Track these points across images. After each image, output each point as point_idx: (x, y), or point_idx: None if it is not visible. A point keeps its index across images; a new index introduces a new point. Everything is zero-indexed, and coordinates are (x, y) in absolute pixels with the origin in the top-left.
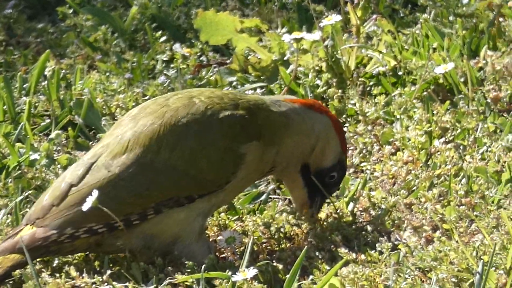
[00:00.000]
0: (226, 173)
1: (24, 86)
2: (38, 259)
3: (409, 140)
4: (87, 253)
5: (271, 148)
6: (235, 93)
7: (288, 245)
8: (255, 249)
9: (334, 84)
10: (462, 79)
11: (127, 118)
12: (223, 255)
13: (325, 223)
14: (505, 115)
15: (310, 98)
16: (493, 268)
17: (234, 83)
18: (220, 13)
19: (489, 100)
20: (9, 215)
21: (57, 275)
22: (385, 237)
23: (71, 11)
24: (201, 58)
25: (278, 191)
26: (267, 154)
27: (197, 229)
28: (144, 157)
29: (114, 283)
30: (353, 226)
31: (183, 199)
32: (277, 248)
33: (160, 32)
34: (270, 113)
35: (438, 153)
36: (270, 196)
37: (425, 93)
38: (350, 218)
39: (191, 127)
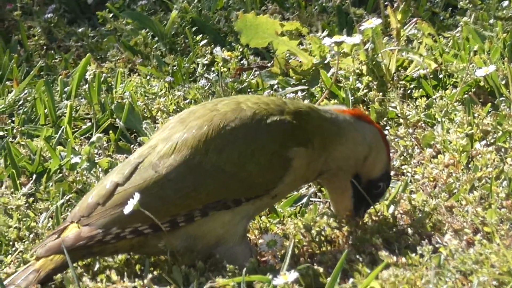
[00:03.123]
0: (274, 177)
1: (65, 89)
2: (79, 263)
3: (450, 143)
4: (128, 256)
5: (319, 155)
6: (282, 99)
7: (329, 248)
8: (296, 252)
9: (374, 87)
10: (503, 82)
11: (175, 120)
12: (264, 259)
13: (366, 226)
14: None
15: (351, 101)
16: None
17: (275, 87)
18: (260, 16)
19: None
20: (50, 219)
21: (98, 279)
22: (426, 240)
23: (111, 15)
24: (242, 62)
25: (319, 194)
26: (315, 161)
27: (240, 232)
28: (192, 158)
29: (155, 287)
30: (394, 229)
31: (230, 202)
32: (318, 251)
33: (200, 35)
34: (321, 120)
35: (479, 155)
36: (311, 199)
37: (466, 95)
38: (391, 221)
39: (239, 131)
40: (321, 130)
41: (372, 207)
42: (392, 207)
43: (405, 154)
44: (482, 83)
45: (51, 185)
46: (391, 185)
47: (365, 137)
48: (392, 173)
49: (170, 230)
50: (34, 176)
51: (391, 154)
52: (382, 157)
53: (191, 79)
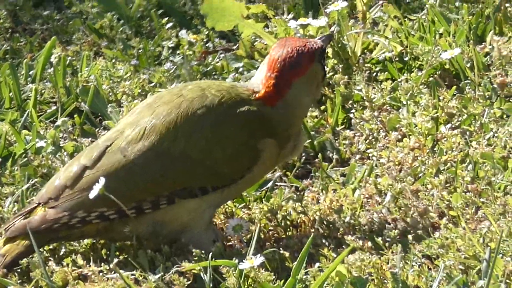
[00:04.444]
0: (241, 167)
1: (30, 73)
2: (45, 248)
3: (416, 126)
4: (94, 240)
5: (288, 143)
6: (234, 87)
7: (294, 232)
8: (262, 236)
9: (340, 70)
10: (468, 65)
11: (142, 105)
12: (230, 243)
13: (332, 210)
14: (511, 101)
15: None
16: (500, 255)
17: (241, 69)
18: None
19: (495, 86)
20: (15, 203)
21: (64, 263)
22: (391, 224)
23: None
24: (207, 45)
25: (284, 178)
26: (286, 149)
27: (206, 219)
28: (160, 144)
29: (121, 271)
30: (360, 213)
31: (196, 190)
32: (284, 236)
33: (166, 18)
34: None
35: (445, 139)
36: (276, 183)
37: (431, 78)
38: (357, 205)
39: (207, 118)
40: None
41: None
42: (357, 191)
43: (370, 138)
44: (447, 66)
45: (16, 169)
46: (356, 169)
47: (300, 92)
48: (357, 156)
49: (136, 216)
50: None
51: (356, 137)
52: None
53: (157, 62)
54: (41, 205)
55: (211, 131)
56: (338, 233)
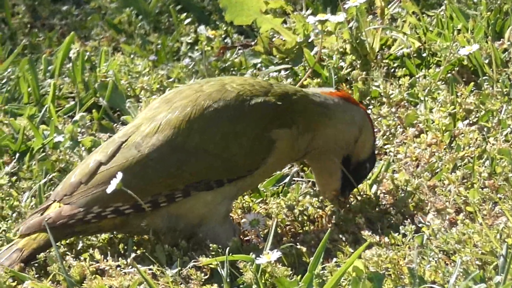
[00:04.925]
0: (256, 158)
1: (49, 68)
2: (62, 242)
3: (433, 122)
4: (112, 235)
5: (305, 135)
6: (267, 82)
7: (311, 227)
8: (279, 231)
9: (358, 66)
10: (486, 61)
11: (161, 100)
12: (247, 238)
13: (349, 205)
14: None
15: (334, 80)
16: None
17: (259, 65)
18: None
19: None
20: (33, 198)
21: (82, 258)
22: (408, 219)
23: None
24: (225, 40)
25: (302, 173)
26: (300, 142)
27: (222, 212)
28: (175, 138)
29: (138, 266)
30: (377, 209)
31: (212, 183)
32: (300, 231)
33: (184, 14)
34: (308, 102)
35: (462, 135)
36: (293, 178)
37: (449, 74)
38: (374, 201)
39: (223, 111)
40: (308, 112)
41: (356, 188)
42: (374, 187)
43: (387, 134)
44: (465, 62)
45: (34, 164)
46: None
47: (354, 119)
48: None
49: (152, 209)
50: (17, 155)
51: None
52: (370, 138)
53: (175, 58)
54: (56, 201)
55: (227, 125)
56: (355, 228)
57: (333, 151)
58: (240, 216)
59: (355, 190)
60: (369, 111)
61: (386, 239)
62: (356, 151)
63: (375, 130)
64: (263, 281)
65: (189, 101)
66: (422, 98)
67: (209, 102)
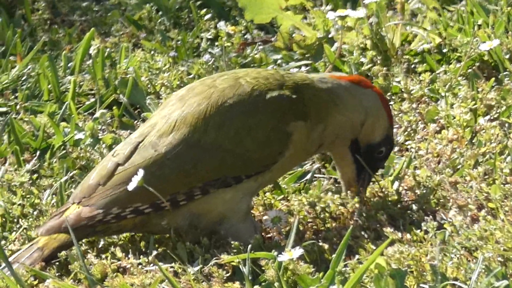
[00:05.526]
0: (273, 153)
1: (69, 65)
2: (83, 240)
3: (454, 118)
4: (133, 233)
5: (318, 125)
6: (280, 73)
7: (333, 224)
8: (301, 228)
9: (378, 61)
10: (507, 56)
11: (175, 98)
12: (269, 235)
13: (370, 202)
14: None
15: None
16: None
17: (279, 61)
18: None
19: None
20: (54, 196)
21: (103, 256)
22: (430, 216)
23: None
24: (245, 36)
25: (323, 170)
26: (314, 132)
27: (243, 209)
28: (191, 136)
29: (160, 263)
30: (398, 205)
31: (230, 180)
32: (322, 228)
33: (204, 10)
34: (317, 90)
35: (483, 131)
36: (315, 175)
37: (470, 70)
38: (395, 197)
39: (237, 107)
40: (317, 100)
41: (373, 173)
42: (396, 183)
43: (409, 130)
44: (486, 58)
45: (55, 162)
46: (395, 161)
47: (361, 102)
48: (396, 148)
49: (172, 208)
50: (38, 152)
51: (395, 129)
52: (382, 121)
53: (195, 54)
54: (75, 204)
55: (242, 120)
56: (377, 225)
57: (340, 137)
58: (261, 213)
59: (376, 186)
60: (390, 107)
61: (408, 236)
62: (364, 134)
63: (396, 126)
64: (285, 278)
65: (203, 97)
66: (442, 94)
67: (223, 98)
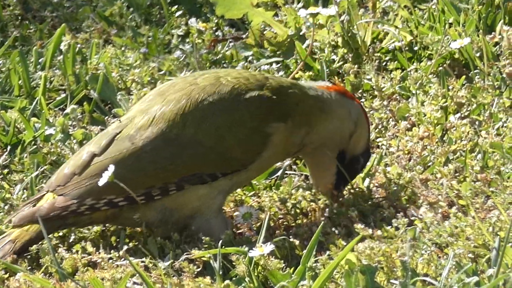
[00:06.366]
0: (252, 152)
1: (40, 60)
2: (54, 235)
3: (425, 115)
4: (104, 227)
5: (300, 129)
6: (265, 75)
7: (304, 220)
8: (272, 224)
9: (350, 59)
10: (478, 54)
11: (155, 92)
12: (240, 231)
13: (341, 199)
14: None
15: (326, 73)
16: (510, 244)
17: (250, 58)
18: None
19: (504, 75)
20: (24, 190)
21: (74, 250)
22: (401, 212)
23: None
24: (216, 33)
25: (294, 167)
26: (295, 136)
27: (216, 206)
28: (169, 131)
29: (130, 258)
30: (369, 202)
31: (206, 177)
32: (293, 224)
33: (175, 6)
34: (304, 95)
35: (454, 128)
36: (286, 172)
37: (441, 68)
38: (366, 194)
39: (217, 105)
40: (303, 106)
41: (350, 183)
42: (367, 180)
43: (380, 127)
44: (456, 56)
45: (26, 157)
46: None
47: (350, 114)
48: None
49: (145, 202)
50: (9, 147)
51: None
52: (365, 133)
53: (166, 50)
54: (49, 192)
55: (222, 118)
56: (348, 222)
57: (328, 146)
58: (232, 209)
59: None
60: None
61: (379, 232)
62: (351, 146)
63: None
64: (255, 274)
65: (183, 94)
66: (413, 92)
67: (203, 95)
